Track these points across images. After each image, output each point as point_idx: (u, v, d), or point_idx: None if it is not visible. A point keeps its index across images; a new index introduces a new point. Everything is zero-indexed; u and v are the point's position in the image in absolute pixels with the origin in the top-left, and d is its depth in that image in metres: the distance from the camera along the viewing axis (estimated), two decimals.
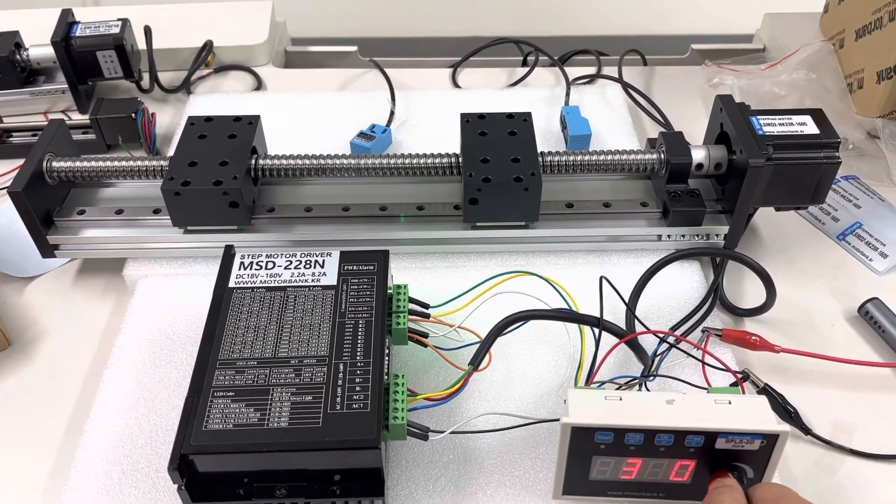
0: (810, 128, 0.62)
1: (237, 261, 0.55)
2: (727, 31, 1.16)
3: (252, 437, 0.45)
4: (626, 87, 0.85)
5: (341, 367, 0.48)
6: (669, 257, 0.61)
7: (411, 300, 0.54)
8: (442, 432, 0.49)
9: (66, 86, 0.81)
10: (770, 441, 0.44)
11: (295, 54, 1.00)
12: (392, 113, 0.78)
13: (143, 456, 0.52)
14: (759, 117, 0.63)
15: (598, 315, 0.51)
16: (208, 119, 0.66)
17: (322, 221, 0.64)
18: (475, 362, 0.50)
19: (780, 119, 0.62)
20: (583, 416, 0.44)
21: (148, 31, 0.83)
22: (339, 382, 0.47)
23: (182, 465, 0.44)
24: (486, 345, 0.50)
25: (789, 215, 0.71)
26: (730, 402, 0.45)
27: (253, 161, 0.64)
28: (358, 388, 0.47)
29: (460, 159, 0.64)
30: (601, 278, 0.53)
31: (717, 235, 0.64)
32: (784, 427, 0.44)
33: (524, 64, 0.93)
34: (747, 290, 0.64)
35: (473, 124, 0.65)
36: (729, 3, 1.23)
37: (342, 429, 0.45)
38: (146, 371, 0.57)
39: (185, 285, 0.62)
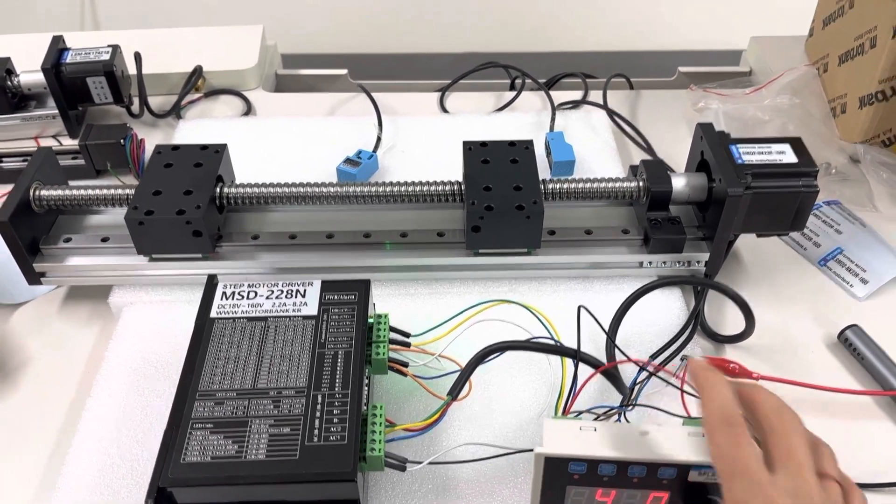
0: (789, 156, 0.62)
1: (219, 290, 0.55)
2: (714, 46, 1.17)
3: (230, 470, 0.45)
4: (611, 113, 0.86)
5: (319, 398, 0.48)
6: (649, 286, 0.61)
7: (392, 329, 0.55)
8: (420, 463, 0.49)
9: (57, 111, 0.82)
10: None
11: (285, 77, 1.01)
12: (379, 139, 0.79)
13: (124, 486, 0.52)
14: (738, 146, 0.63)
15: (576, 345, 0.52)
16: (175, 148, 0.67)
17: (302, 249, 0.64)
18: (454, 392, 0.50)
19: (759, 147, 0.63)
20: (556, 447, 0.45)
21: (138, 57, 0.84)
22: (318, 414, 0.47)
23: (160, 498, 0.45)
24: (464, 375, 0.51)
25: (771, 241, 0.72)
26: (703, 435, 0.46)
27: (218, 189, 0.64)
28: (336, 420, 0.47)
29: (462, 186, 0.64)
30: (579, 308, 0.54)
31: (697, 262, 0.65)
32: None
33: (512, 87, 0.93)
34: (729, 317, 0.65)
35: (476, 152, 0.66)
36: (716, 22, 1.25)
37: (319, 462, 0.45)
38: (129, 399, 0.57)
39: (169, 312, 0.63)
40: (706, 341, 0.63)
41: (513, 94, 0.90)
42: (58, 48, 0.81)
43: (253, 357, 0.51)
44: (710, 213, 0.64)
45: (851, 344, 0.61)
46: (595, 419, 0.51)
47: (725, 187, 0.60)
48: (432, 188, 0.65)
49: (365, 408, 0.49)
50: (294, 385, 0.49)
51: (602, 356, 0.59)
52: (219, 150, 0.67)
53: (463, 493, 0.51)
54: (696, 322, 0.62)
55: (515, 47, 1.18)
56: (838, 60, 0.84)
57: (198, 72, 0.88)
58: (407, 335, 0.56)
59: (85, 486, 0.52)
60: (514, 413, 0.56)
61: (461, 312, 0.56)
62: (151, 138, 0.84)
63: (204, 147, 0.67)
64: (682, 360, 0.59)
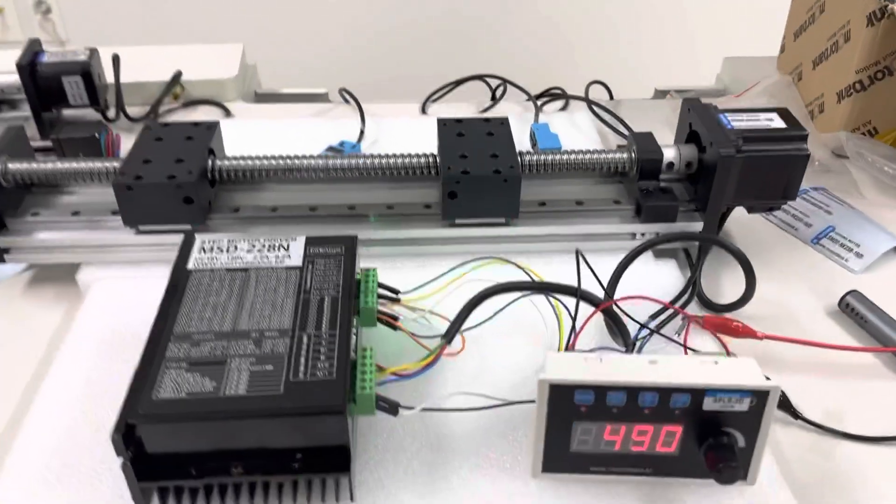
0: (777, 123, 0.62)
1: (197, 244, 0.52)
2: (690, 84, 1.19)
3: (206, 406, 0.41)
4: (591, 104, 0.86)
5: (305, 337, 0.45)
6: (651, 241, 0.58)
7: (380, 285, 0.52)
8: (413, 408, 0.45)
9: (30, 113, 0.80)
10: (760, 400, 0.42)
11: (266, 96, 1.00)
12: (362, 132, 0.78)
13: (86, 449, 0.47)
14: (727, 115, 0.63)
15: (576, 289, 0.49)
16: (166, 125, 0.65)
17: (287, 221, 0.62)
18: (448, 336, 0.47)
19: (747, 116, 0.63)
20: (562, 373, 0.42)
21: (116, 59, 0.83)
22: (303, 352, 0.44)
23: (127, 437, 0.40)
24: (459, 319, 0.48)
25: (763, 224, 0.71)
26: (716, 363, 0.43)
27: (210, 162, 0.62)
28: (323, 358, 0.44)
29: (437, 159, 0.63)
30: (577, 251, 0.52)
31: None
32: (773, 384, 0.41)
33: (493, 99, 0.94)
34: (725, 288, 0.63)
35: (450, 127, 0.65)
36: (690, 55, 1.28)
37: (305, 396, 0.42)
38: (96, 367, 0.53)
39: (143, 286, 0.59)
40: (703, 311, 0.61)
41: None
42: (34, 50, 0.80)
43: (233, 303, 0.48)
44: (701, 184, 0.63)
45: (854, 308, 0.59)
46: None
47: (717, 149, 0.59)
48: (414, 160, 0.63)
49: (354, 354, 0.46)
50: (278, 327, 0.46)
51: (600, 323, 0.56)
52: (211, 127, 0.65)
53: (458, 447, 0.48)
54: (693, 288, 0.60)
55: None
56: (812, 65, 0.86)
57: (177, 77, 0.87)
58: (396, 292, 0.53)
59: (44, 445, 0.47)
60: (509, 370, 0.53)
61: (453, 269, 0.54)
62: (127, 144, 0.82)
63: (196, 124, 0.65)
64: (682, 319, 0.56)
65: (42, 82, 0.79)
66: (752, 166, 0.60)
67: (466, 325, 0.50)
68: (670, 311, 0.57)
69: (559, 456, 0.44)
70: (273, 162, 0.63)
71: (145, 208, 0.59)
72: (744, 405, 0.42)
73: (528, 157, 0.63)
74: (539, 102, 0.85)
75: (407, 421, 0.49)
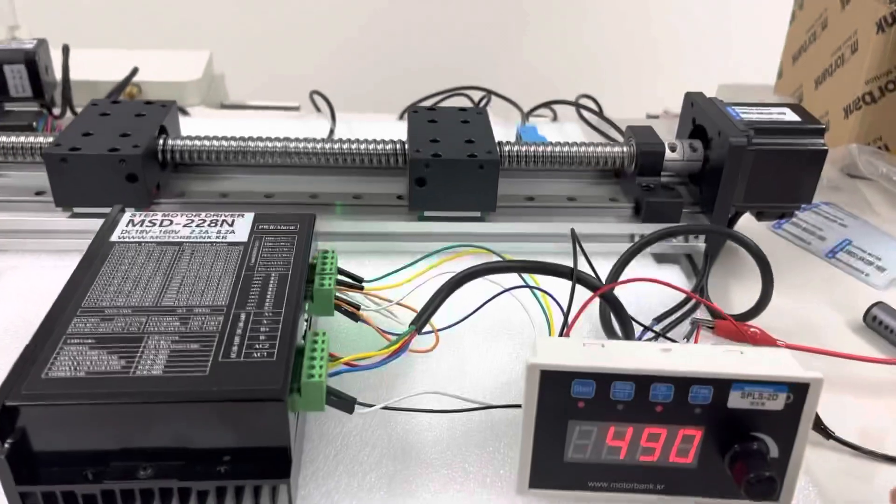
0: (791, 117, 0.56)
1: (125, 218, 0.44)
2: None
3: (109, 386, 0.33)
4: (582, 109, 0.80)
5: (243, 316, 0.37)
6: (658, 234, 0.51)
7: (341, 272, 0.44)
8: (372, 406, 0.37)
9: None
10: (798, 396, 0.34)
11: (232, 107, 0.93)
12: (332, 131, 0.71)
13: None
14: (734, 108, 0.57)
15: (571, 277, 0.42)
16: (115, 101, 0.58)
17: (239, 208, 0.54)
18: (418, 323, 0.39)
19: (757, 109, 0.57)
20: (557, 358, 0.34)
21: (66, 50, 0.76)
22: (238, 332, 0.36)
23: (6, 424, 0.32)
24: (432, 305, 0.40)
25: (772, 238, 0.64)
26: (742, 353, 0.35)
27: (161, 141, 0.55)
28: (262, 338, 0.36)
29: (406, 146, 0.56)
30: (572, 231, 0.44)
31: (696, 237, 0.56)
32: (817, 374, 0.34)
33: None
34: (734, 300, 0.55)
35: (422, 114, 0.58)
36: (684, 82, 1.24)
37: (236, 378, 0.33)
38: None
39: (64, 276, 0.51)
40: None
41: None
42: None
43: (159, 277, 0.40)
44: (706, 184, 0.56)
45: (881, 321, 0.52)
46: None
47: (727, 137, 0.52)
48: (380, 147, 0.56)
49: (303, 341, 0.38)
50: (210, 304, 0.38)
51: (596, 322, 0.48)
52: (166, 105, 0.58)
53: (428, 457, 0.39)
54: (702, 291, 0.53)
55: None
56: (814, 84, 0.81)
57: (133, 73, 0.80)
58: (360, 280, 0.45)
59: None
60: (491, 373, 0.45)
61: (426, 257, 0.46)
62: None
63: (149, 102, 0.58)
64: (691, 324, 0.49)
65: None
66: (764, 162, 0.54)
67: (441, 324, 0.43)
68: (677, 315, 0.49)
69: (551, 467, 0.35)
70: (231, 143, 0.55)
71: (82, 186, 0.51)
72: (778, 402, 0.34)
73: (508, 148, 0.56)
74: (527, 112, 0.79)
75: (365, 425, 0.40)
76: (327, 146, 0.55)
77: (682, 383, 0.34)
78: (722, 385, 0.34)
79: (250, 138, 0.55)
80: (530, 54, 1.55)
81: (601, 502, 0.37)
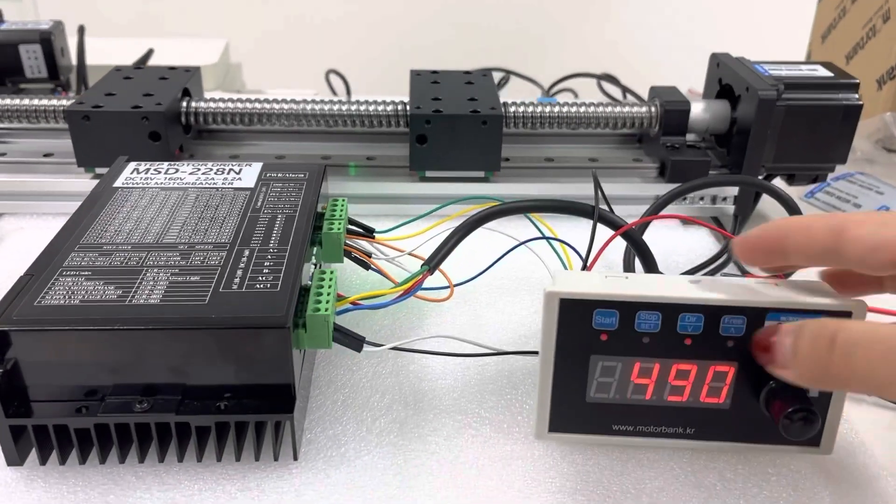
0: (822, 73, 0.54)
1: (131, 166, 0.43)
2: None
3: (104, 313, 0.31)
4: (604, 82, 0.77)
5: (246, 252, 0.35)
6: (689, 185, 0.47)
7: (351, 221, 0.42)
8: (381, 346, 0.35)
9: None
10: None
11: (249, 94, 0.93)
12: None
13: None
14: (763, 65, 0.55)
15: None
16: (138, 67, 0.57)
17: None
18: (431, 264, 0.37)
19: (787, 66, 0.54)
20: (576, 286, 0.31)
21: (81, 30, 0.76)
22: (241, 265, 0.34)
23: None
24: (448, 244, 0.38)
25: (804, 207, 0.61)
26: (776, 285, 0.33)
27: (185, 103, 0.54)
28: (266, 271, 0.34)
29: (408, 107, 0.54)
30: (593, 172, 0.42)
31: (724, 200, 0.54)
32: (858, 300, 0.31)
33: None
34: None
35: (424, 77, 0.57)
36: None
37: (237, 307, 0.31)
38: None
39: None
40: None
41: None
42: None
43: (162, 217, 0.38)
44: (734, 146, 0.54)
45: None
46: None
47: (756, 93, 0.50)
48: (389, 107, 0.54)
49: (310, 282, 0.36)
50: (213, 241, 0.36)
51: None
52: (189, 70, 0.57)
53: (440, 403, 0.37)
54: (730, 255, 0.50)
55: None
56: (846, 60, 0.79)
57: (148, 55, 0.80)
58: (371, 230, 0.43)
59: None
60: (508, 327, 0.42)
61: (438, 208, 0.44)
62: None
63: (172, 67, 0.58)
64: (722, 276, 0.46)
65: None
66: (795, 118, 0.52)
67: (456, 279, 0.40)
68: (705, 272, 0.47)
69: (572, 408, 0.33)
70: (253, 105, 0.54)
71: (103, 145, 0.50)
72: None
73: (514, 108, 0.54)
74: (547, 88, 0.77)
75: (375, 373, 0.38)
76: (335, 107, 0.54)
77: (713, 313, 0.31)
78: (756, 315, 0.31)
79: (273, 100, 0.54)
80: (551, 40, 1.54)
81: (626, 449, 0.34)
